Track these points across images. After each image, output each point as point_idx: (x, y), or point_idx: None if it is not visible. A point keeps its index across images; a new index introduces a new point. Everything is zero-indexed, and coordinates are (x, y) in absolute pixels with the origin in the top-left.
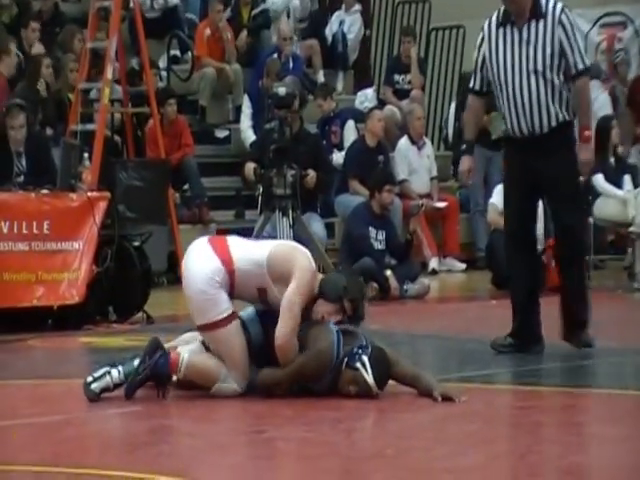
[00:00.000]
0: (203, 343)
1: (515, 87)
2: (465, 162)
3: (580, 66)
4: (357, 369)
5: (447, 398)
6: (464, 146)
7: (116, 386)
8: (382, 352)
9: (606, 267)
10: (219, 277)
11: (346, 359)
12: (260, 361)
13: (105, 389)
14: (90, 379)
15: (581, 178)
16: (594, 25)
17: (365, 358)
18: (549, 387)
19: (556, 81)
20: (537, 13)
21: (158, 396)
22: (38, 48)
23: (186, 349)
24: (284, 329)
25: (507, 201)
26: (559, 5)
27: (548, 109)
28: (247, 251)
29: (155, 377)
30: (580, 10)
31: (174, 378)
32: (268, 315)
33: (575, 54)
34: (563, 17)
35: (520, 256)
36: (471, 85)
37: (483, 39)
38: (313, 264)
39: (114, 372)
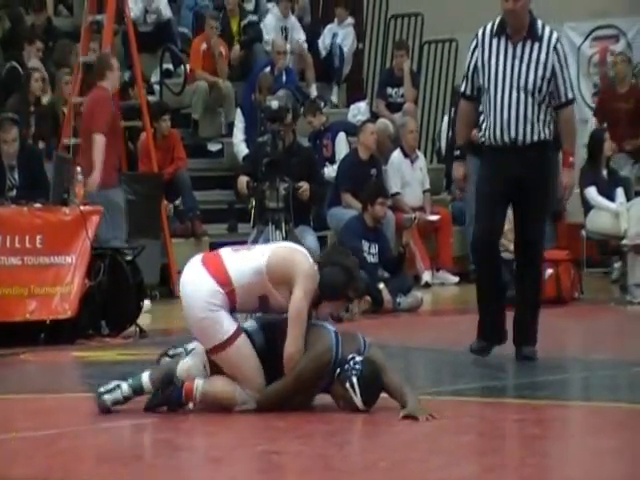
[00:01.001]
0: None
1: (504, 98)
2: (459, 169)
3: (570, 95)
4: (347, 390)
5: (411, 417)
6: (457, 152)
7: (126, 399)
8: (374, 368)
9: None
10: (217, 299)
11: (338, 370)
12: (266, 373)
13: (117, 402)
14: (102, 390)
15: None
16: (586, 38)
17: (355, 380)
18: (542, 400)
19: (542, 103)
20: (533, 35)
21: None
22: (34, 62)
23: (200, 370)
24: (295, 339)
25: (478, 210)
26: (555, 34)
27: (532, 125)
28: (243, 264)
29: (167, 405)
30: (573, 23)
31: (190, 406)
32: (271, 326)
33: (566, 83)
34: (559, 46)
35: (487, 264)
36: (462, 90)
37: (477, 46)
38: (312, 263)
39: (124, 386)
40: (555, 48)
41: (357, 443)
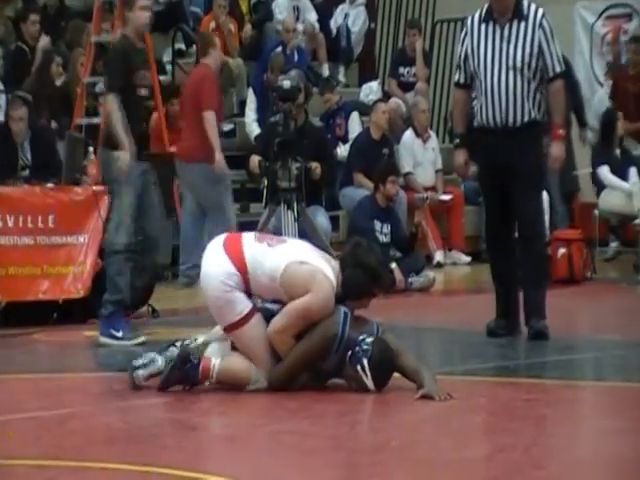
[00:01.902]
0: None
1: (494, 80)
2: (460, 155)
3: (557, 69)
4: (357, 372)
5: (427, 397)
6: (456, 140)
7: (160, 373)
8: (385, 348)
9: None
10: (232, 281)
11: (349, 353)
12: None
13: (151, 375)
14: (136, 364)
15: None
16: (599, 17)
17: (365, 361)
18: (553, 380)
19: (532, 80)
20: (519, 14)
21: (184, 389)
22: (44, 41)
23: (217, 351)
24: (279, 323)
25: (484, 196)
26: (540, 10)
27: (523, 104)
28: (262, 257)
29: (183, 382)
30: (586, 2)
31: (206, 384)
32: None
33: (553, 57)
34: (544, 21)
35: (498, 248)
36: (456, 79)
37: (466, 33)
38: (330, 287)
39: (159, 359)
40: (541, 24)
41: (368, 423)
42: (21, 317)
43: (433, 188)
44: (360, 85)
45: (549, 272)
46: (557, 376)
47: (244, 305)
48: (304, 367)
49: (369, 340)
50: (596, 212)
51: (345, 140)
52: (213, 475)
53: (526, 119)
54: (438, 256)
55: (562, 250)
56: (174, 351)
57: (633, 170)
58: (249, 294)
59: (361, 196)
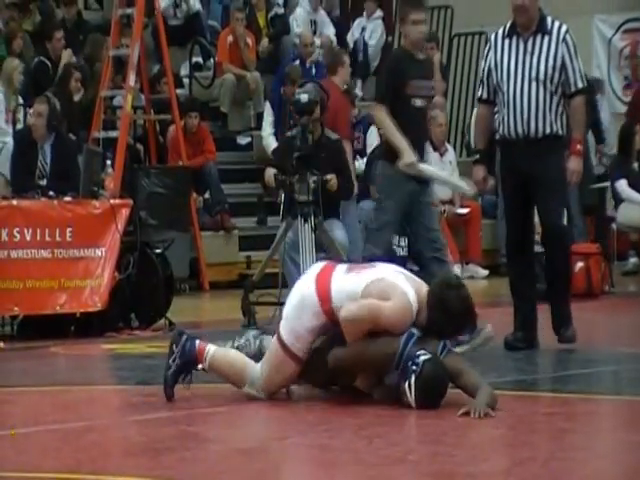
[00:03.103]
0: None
1: (516, 92)
2: (479, 171)
3: (579, 85)
4: (404, 387)
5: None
6: (477, 156)
7: None
8: (435, 370)
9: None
10: (313, 305)
11: (403, 367)
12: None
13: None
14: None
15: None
16: (617, 31)
17: (413, 379)
18: (572, 393)
19: (554, 94)
20: (543, 29)
21: (182, 382)
22: (68, 55)
23: (215, 345)
24: (349, 309)
25: (506, 208)
26: (564, 26)
27: (544, 116)
28: (346, 284)
29: (183, 364)
30: (603, 16)
31: (200, 367)
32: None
33: (576, 73)
34: (567, 37)
35: (519, 261)
36: (479, 94)
37: (490, 48)
38: (412, 306)
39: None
40: (564, 39)
41: (386, 437)
42: (39, 330)
43: (450, 201)
44: None
45: (571, 282)
46: (576, 389)
47: (300, 348)
48: (355, 368)
49: (422, 358)
50: (614, 226)
51: (363, 154)
52: None
53: (548, 131)
54: (455, 270)
55: (580, 264)
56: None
57: None
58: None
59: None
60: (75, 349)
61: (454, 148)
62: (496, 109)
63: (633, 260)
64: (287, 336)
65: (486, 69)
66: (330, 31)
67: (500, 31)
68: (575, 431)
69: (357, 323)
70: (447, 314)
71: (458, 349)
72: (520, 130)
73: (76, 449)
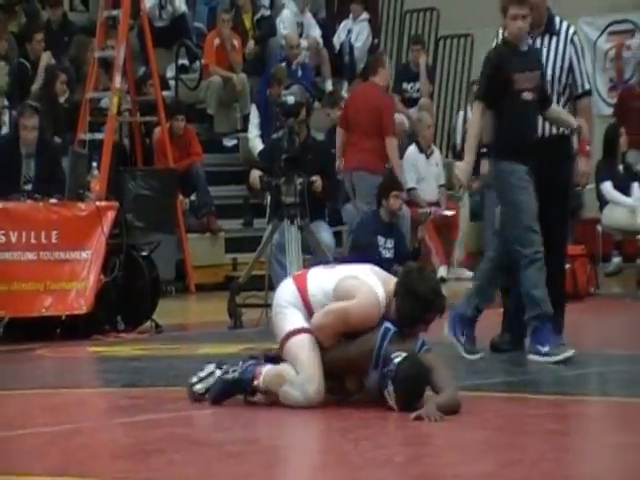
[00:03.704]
0: None
1: None
2: (486, 165)
3: (587, 86)
4: (384, 393)
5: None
6: (484, 149)
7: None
8: (410, 369)
9: (620, 274)
10: (293, 299)
11: (381, 372)
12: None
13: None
14: (195, 379)
15: (578, 187)
16: (602, 33)
17: (390, 385)
18: (559, 395)
19: (561, 95)
20: (551, 29)
21: (245, 401)
22: (47, 58)
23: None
24: (317, 318)
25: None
26: (572, 27)
27: None
28: (321, 280)
29: (239, 381)
30: (589, 18)
31: (255, 383)
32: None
33: (583, 75)
34: (575, 38)
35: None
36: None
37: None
38: (379, 299)
39: (218, 372)
40: (572, 40)
41: (373, 439)
42: (25, 333)
43: (437, 203)
44: None
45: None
46: (563, 391)
47: (298, 320)
48: (338, 370)
49: (397, 360)
50: (599, 228)
51: None
52: None
53: (554, 131)
54: (442, 271)
55: (566, 266)
56: (232, 368)
57: (636, 185)
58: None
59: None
60: (61, 352)
61: (440, 150)
62: None
63: (616, 260)
64: (281, 330)
65: None
66: (316, 33)
67: None
68: (563, 433)
69: (326, 329)
70: (412, 296)
71: (537, 358)
72: None
73: (64, 452)
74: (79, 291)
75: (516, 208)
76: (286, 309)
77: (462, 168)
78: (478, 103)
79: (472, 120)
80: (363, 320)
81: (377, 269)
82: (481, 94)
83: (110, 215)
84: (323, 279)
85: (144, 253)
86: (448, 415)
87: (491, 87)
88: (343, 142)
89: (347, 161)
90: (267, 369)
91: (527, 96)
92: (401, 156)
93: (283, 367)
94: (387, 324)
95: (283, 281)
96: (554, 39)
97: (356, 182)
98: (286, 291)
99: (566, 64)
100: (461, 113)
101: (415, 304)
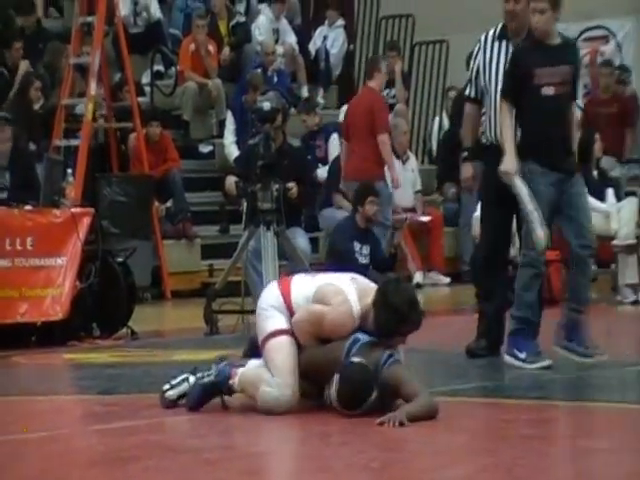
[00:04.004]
0: None
1: None
2: (467, 169)
3: None
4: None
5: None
6: (465, 154)
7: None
8: (360, 373)
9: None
10: (277, 303)
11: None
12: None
13: (183, 395)
14: (167, 387)
15: None
16: (577, 39)
17: (336, 377)
18: (534, 400)
19: None
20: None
21: (223, 407)
22: (25, 66)
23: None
24: (294, 318)
25: (485, 213)
26: None
27: None
28: (303, 286)
29: (215, 384)
30: (563, 25)
31: (230, 382)
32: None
33: None
34: None
35: (494, 269)
36: (467, 93)
37: (479, 49)
38: (352, 310)
39: (192, 379)
40: None
41: (351, 444)
42: (0, 340)
43: (412, 209)
44: (339, 106)
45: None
46: (538, 396)
47: (279, 322)
48: (308, 375)
49: (350, 360)
50: None
51: (325, 161)
52: None
53: None
54: (418, 277)
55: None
56: (207, 373)
57: (610, 191)
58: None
59: (340, 217)
60: (37, 359)
61: (416, 156)
62: (484, 110)
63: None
64: (262, 332)
65: (474, 69)
66: (292, 39)
67: (491, 32)
68: (537, 438)
69: (300, 325)
70: (388, 308)
71: (512, 360)
72: None
73: (39, 459)
74: (54, 297)
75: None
76: (268, 311)
77: (506, 161)
78: (501, 101)
79: (501, 120)
80: (335, 327)
81: (360, 278)
82: (502, 91)
83: (85, 221)
84: (305, 286)
85: (120, 259)
86: (423, 421)
87: (511, 83)
88: (345, 152)
89: (347, 170)
90: (242, 370)
91: (547, 91)
92: None
93: (258, 370)
94: (358, 334)
95: (268, 285)
96: None
97: (348, 191)
98: (270, 295)
99: None
100: (437, 119)
101: (391, 316)
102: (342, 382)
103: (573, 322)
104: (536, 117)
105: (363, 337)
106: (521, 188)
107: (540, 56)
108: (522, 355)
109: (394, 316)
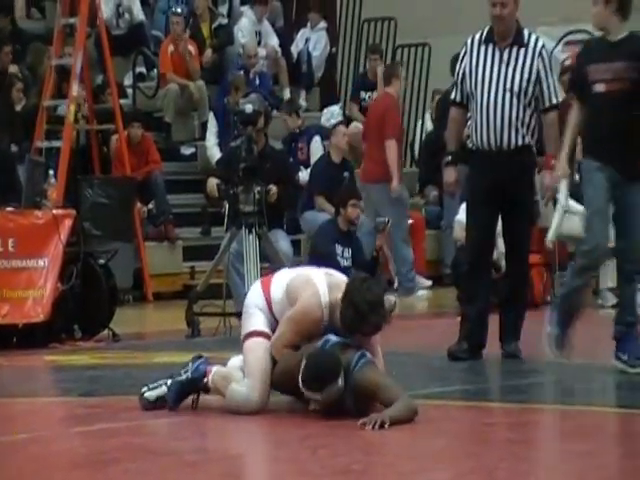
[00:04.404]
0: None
1: (490, 102)
2: (450, 173)
3: (554, 100)
4: None
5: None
6: (448, 158)
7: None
8: (326, 355)
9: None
10: (260, 303)
11: None
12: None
13: (161, 397)
14: (145, 389)
15: (542, 201)
16: (559, 43)
17: (304, 362)
18: (515, 403)
19: (527, 107)
20: (519, 41)
21: (192, 406)
22: (14, 70)
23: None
24: (276, 332)
25: (470, 217)
26: (541, 40)
27: (517, 128)
28: (280, 280)
29: (193, 380)
30: (545, 28)
31: (205, 380)
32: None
33: (550, 88)
34: (544, 52)
35: (479, 272)
36: (452, 97)
37: (465, 53)
38: (320, 301)
39: (170, 382)
40: (540, 54)
41: (331, 447)
42: None
43: None
44: (321, 109)
45: (527, 296)
46: (519, 399)
47: (259, 323)
48: (283, 382)
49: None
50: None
51: (307, 164)
52: None
53: (520, 143)
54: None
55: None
56: (183, 370)
57: None
58: (275, 320)
59: (322, 220)
60: (18, 360)
61: None
62: (469, 114)
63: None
64: (243, 330)
65: (460, 73)
66: (274, 42)
67: (477, 36)
68: (518, 441)
69: (280, 338)
70: (350, 305)
71: (618, 364)
72: (492, 141)
73: (19, 461)
74: (36, 299)
75: (587, 204)
76: (252, 310)
77: (557, 166)
78: (571, 100)
79: (567, 119)
80: (304, 321)
81: (336, 274)
82: (570, 90)
83: (67, 223)
84: (282, 279)
85: (101, 261)
86: (404, 424)
87: (572, 80)
88: (364, 154)
89: (363, 173)
90: (216, 368)
91: (599, 88)
92: (359, 165)
93: (230, 369)
94: (329, 335)
95: (253, 284)
96: (522, 51)
97: (372, 194)
98: (254, 295)
99: (533, 77)
100: (419, 122)
101: (353, 314)
102: (307, 362)
103: (624, 334)
104: (588, 115)
105: (334, 338)
106: (562, 194)
107: (597, 51)
108: (624, 357)
109: (355, 315)
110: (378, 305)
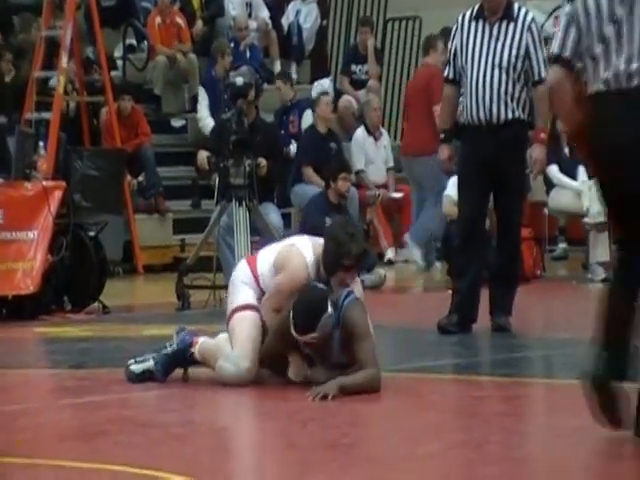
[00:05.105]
0: None
1: (479, 77)
2: (444, 150)
3: (543, 74)
4: None
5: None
6: (442, 135)
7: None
8: (314, 290)
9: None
10: (245, 278)
11: None
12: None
13: (147, 370)
14: (131, 361)
15: (532, 175)
16: (549, 17)
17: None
18: (504, 377)
19: (517, 82)
20: (509, 15)
21: (183, 378)
22: None
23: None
24: (264, 299)
25: (462, 191)
26: (530, 14)
27: (506, 102)
28: (266, 256)
29: (179, 352)
30: (536, 1)
31: (192, 350)
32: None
33: (540, 62)
34: (533, 25)
35: (472, 245)
36: (445, 74)
37: (457, 30)
38: (306, 263)
39: (156, 355)
40: (529, 28)
41: (320, 420)
42: None
43: (385, 186)
44: (312, 82)
45: (520, 270)
46: (508, 373)
47: (246, 297)
48: (278, 341)
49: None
50: (546, 211)
51: (298, 137)
52: (166, 472)
53: (510, 117)
54: (389, 253)
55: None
56: (169, 343)
57: (582, 169)
58: (263, 293)
59: (312, 193)
60: (7, 332)
61: (388, 132)
62: (462, 90)
63: (562, 245)
64: (230, 305)
65: (452, 50)
66: (265, 14)
67: (468, 13)
68: (508, 415)
69: (272, 303)
70: (330, 241)
71: None
72: (482, 116)
73: (8, 433)
74: (26, 271)
75: None
76: (238, 287)
77: None
78: None
79: None
80: (292, 285)
81: (320, 239)
82: None
83: (57, 195)
84: (268, 255)
85: (91, 233)
86: (364, 394)
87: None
88: (406, 130)
89: (404, 147)
90: (203, 340)
91: None
92: (349, 138)
93: (219, 341)
94: (313, 284)
95: (239, 263)
96: (511, 25)
97: (414, 167)
98: (241, 272)
99: (522, 51)
100: None
101: (333, 249)
102: (295, 305)
103: None
104: None
105: (319, 285)
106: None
107: None
108: None
109: (336, 247)
110: (358, 235)
